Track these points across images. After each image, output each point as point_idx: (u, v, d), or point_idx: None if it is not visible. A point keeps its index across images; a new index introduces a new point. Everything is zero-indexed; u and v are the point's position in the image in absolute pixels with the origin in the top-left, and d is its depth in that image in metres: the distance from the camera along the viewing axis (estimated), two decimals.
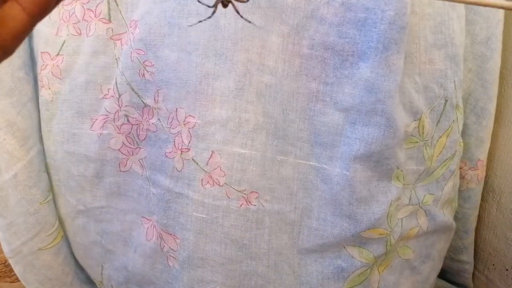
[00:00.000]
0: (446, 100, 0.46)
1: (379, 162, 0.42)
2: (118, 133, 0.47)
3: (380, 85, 0.40)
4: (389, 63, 0.39)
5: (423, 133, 0.46)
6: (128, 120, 0.47)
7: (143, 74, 0.45)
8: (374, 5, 0.38)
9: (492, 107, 0.52)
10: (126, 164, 0.48)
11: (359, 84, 0.41)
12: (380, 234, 0.45)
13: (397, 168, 0.44)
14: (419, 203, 0.48)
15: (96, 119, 0.47)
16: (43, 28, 0.46)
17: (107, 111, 0.46)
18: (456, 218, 0.55)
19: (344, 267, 0.46)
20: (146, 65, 0.44)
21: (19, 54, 0.47)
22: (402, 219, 0.47)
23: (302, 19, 0.41)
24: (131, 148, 0.48)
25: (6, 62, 0.43)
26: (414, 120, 0.45)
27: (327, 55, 0.41)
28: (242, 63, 0.41)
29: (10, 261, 0.51)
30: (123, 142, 0.48)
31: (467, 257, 0.60)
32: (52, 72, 0.46)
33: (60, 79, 0.47)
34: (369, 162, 0.42)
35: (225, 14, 0.40)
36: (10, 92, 0.46)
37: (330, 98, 0.42)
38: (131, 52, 0.45)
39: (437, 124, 0.47)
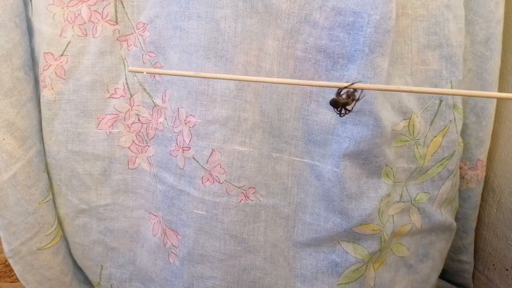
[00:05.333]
0: (441, 100, 0.47)
1: (368, 159, 0.44)
2: (128, 131, 0.49)
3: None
4: (374, 65, 0.40)
5: (413, 132, 0.47)
6: (139, 119, 0.49)
7: (154, 75, 0.47)
8: (361, 9, 0.39)
9: (492, 107, 0.52)
10: (134, 162, 0.50)
11: None
12: (373, 230, 0.46)
13: (386, 165, 0.45)
14: (411, 201, 0.49)
15: (103, 118, 0.49)
16: (45, 29, 0.46)
17: (117, 110, 0.49)
18: (456, 218, 0.55)
19: (338, 262, 0.47)
20: (157, 67, 0.47)
21: (20, 54, 0.46)
22: (393, 215, 0.48)
23: (296, 24, 0.43)
24: (140, 146, 0.50)
25: (6, 62, 0.45)
26: (404, 119, 0.46)
27: (320, 57, 0.43)
28: (242, 64, 0.43)
29: (10, 261, 0.51)
30: (133, 140, 0.50)
31: (467, 257, 0.59)
32: (55, 73, 0.47)
33: (64, 79, 0.47)
34: (358, 160, 0.44)
35: (225, 17, 0.42)
36: (9, 92, 0.46)
37: (323, 98, 0.44)
38: (142, 54, 0.47)
39: (431, 123, 0.47)
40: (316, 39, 0.42)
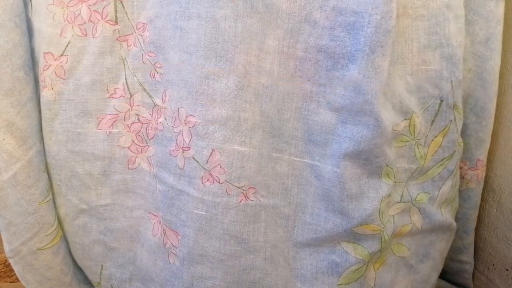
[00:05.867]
0: (441, 100, 0.47)
1: (368, 159, 0.44)
2: (128, 131, 0.49)
3: (366, 87, 0.41)
4: (375, 65, 0.40)
5: (414, 132, 0.47)
6: (138, 119, 0.49)
7: (154, 75, 0.47)
8: (362, 9, 0.39)
9: (492, 107, 0.52)
10: (134, 162, 0.50)
11: (348, 85, 0.42)
12: (374, 231, 0.46)
13: (387, 165, 0.45)
14: (411, 201, 0.49)
15: (103, 118, 0.49)
16: (45, 29, 0.46)
17: (117, 110, 0.49)
18: (456, 218, 0.55)
19: (338, 263, 0.47)
20: (157, 67, 0.47)
21: (20, 54, 0.46)
22: (393, 216, 0.48)
23: (296, 24, 0.43)
24: (140, 146, 0.50)
25: (6, 62, 0.45)
26: (405, 119, 0.46)
27: (320, 57, 0.43)
28: (242, 64, 0.43)
29: (10, 261, 0.51)
30: (132, 140, 0.50)
31: (467, 257, 0.59)
32: (55, 73, 0.47)
33: (64, 79, 0.47)
34: (359, 160, 0.44)
35: (225, 17, 0.42)
36: (9, 92, 0.46)
37: (323, 98, 0.44)
38: (142, 54, 0.47)
39: (431, 123, 0.47)
40: (316, 39, 0.42)
